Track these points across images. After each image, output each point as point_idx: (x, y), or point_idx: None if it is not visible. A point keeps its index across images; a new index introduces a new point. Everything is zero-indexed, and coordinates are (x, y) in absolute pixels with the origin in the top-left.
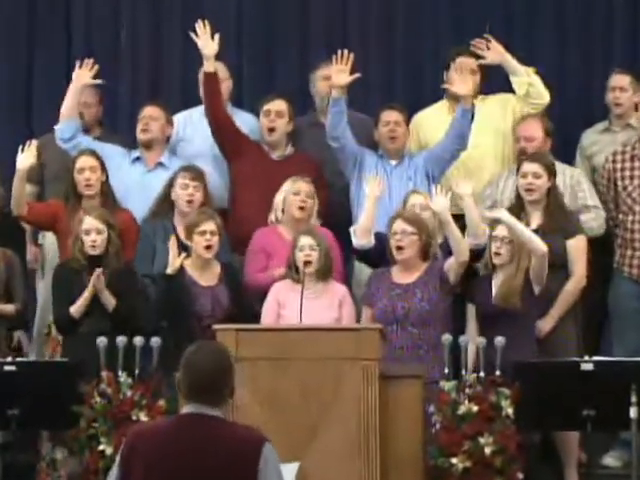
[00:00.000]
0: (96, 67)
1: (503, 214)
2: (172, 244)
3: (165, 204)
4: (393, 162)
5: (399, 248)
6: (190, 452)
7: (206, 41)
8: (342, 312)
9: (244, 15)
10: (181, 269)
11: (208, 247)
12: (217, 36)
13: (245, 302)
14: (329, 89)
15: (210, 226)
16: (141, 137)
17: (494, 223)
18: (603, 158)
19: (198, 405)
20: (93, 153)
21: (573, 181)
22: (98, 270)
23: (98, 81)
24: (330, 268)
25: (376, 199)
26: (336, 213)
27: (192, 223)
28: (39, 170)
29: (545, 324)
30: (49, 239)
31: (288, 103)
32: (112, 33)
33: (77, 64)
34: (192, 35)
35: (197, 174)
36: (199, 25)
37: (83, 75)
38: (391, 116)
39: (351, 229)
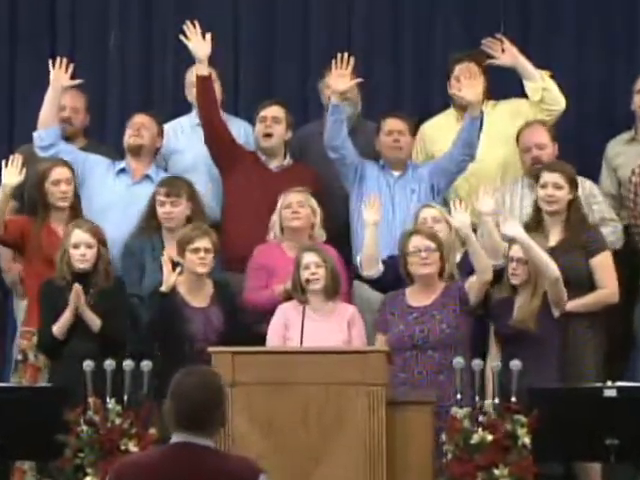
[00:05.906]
0: (72, 66)
1: (519, 233)
2: (166, 260)
3: (152, 219)
4: (396, 173)
5: (425, 265)
6: None
7: (198, 43)
8: (352, 333)
9: (241, 19)
10: (174, 288)
11: (202, 266)
12: (208, 36)
13: (240, 324)
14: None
15: (205, 243)
16: (130, 142)
17: (510, 241)
18: (629, 170)
19: (188, 434)
20: (66, 164)
21: (587, 192)
22: (77, 286)
23: (78, 81)
24: (337, 286)
25: (376, 225)
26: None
27: (185, 239)
28: (19, 184)
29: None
30: None
31: (285, 110)
32: (100, 40)
33: (50, 64)
34: (182, 38)
35: (173, 188)
36: (188, 26)
37: (60, 76)
38: (395, 125)
39: (357, 260)
